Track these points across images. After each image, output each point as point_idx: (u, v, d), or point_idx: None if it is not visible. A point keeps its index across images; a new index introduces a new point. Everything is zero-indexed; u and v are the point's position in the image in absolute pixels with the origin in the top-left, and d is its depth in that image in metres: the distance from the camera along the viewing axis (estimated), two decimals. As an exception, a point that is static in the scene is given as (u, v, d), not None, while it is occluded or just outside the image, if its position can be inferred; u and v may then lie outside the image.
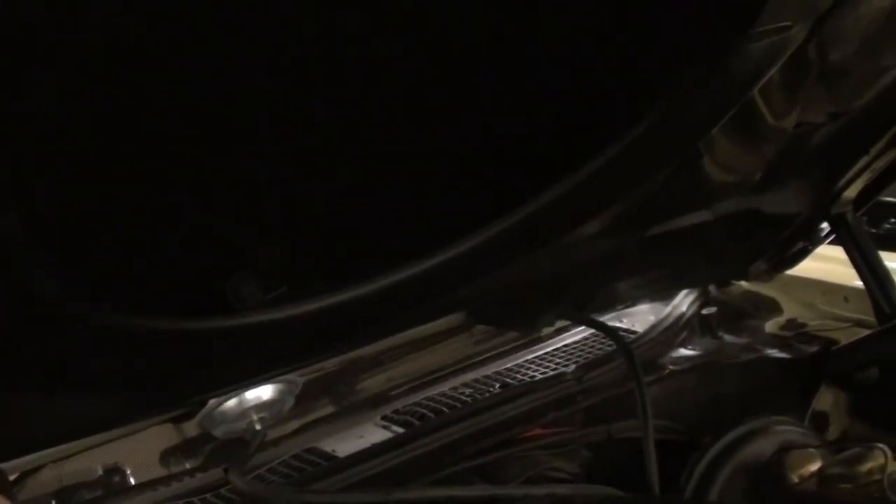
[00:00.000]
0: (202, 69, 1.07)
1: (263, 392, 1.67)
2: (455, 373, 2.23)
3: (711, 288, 2.53)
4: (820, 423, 2.29)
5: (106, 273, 1.20)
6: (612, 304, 2.32)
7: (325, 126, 1.25)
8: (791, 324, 2.49)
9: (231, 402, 1.65)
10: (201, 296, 1.32)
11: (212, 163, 1.23)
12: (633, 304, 2.53)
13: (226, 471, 1.70)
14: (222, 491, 1.86)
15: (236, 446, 1.76)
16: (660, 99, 1.27)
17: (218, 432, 1.68)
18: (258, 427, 1.67)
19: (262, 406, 1.67)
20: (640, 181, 1.52)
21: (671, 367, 2.20)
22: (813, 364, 2.32)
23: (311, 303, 1.30)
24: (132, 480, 1.93)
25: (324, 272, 1.40)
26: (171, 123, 1.12)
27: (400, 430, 1.99)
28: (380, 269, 1.35)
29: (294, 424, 2.05)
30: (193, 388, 1.48)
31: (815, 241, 2.26)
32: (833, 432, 2.30)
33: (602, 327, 2.07)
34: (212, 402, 1.63)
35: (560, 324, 2.37)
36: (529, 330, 2.15)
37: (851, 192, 2.13)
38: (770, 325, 2.50)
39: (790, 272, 2.42)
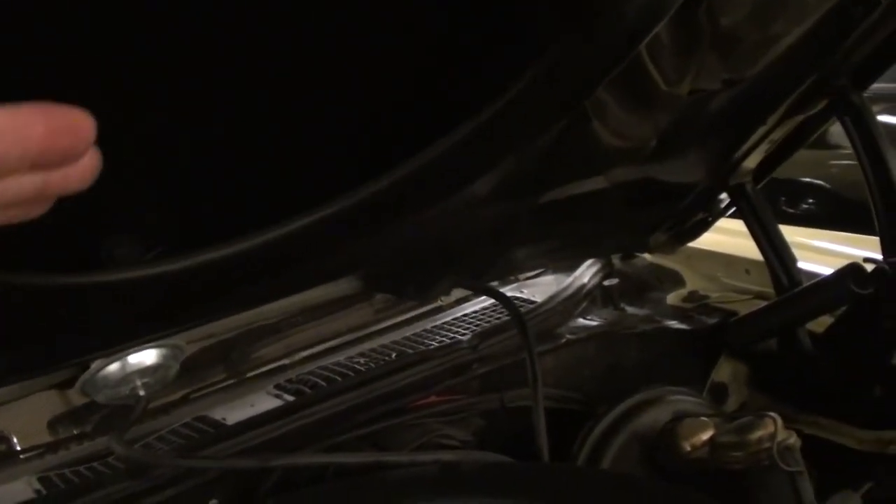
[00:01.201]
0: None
1: (146, 357, 1.64)
2: (352, 342, 2.21)
3: (615, 260, 2.53)
4: (719, 394, 2.30)
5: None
6: (510, 273, 2.32)
7: (195, 81, 1.21)
8: (693, 296, 2.50)
9: (113, 367, 1.61)
10: (76, 254, 1.29)
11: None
12: (537, 275, 2.53)
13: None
14: (109, 459, 1.82)
15: (122, 413, 1.73)
16: (535, 58, 1.25)
17: (101, 398, 1.65)
18: (142, 393, 1.64)
19: (145, 371, 1.64)
20: (522, 143, 1.50)
21: (569, 336, 2.19)
22: (712, 335, 2.33)
23: (185, 259, 1.27)
24: (18, 447, 1.89)
25: (201, 233, 1.36)
26: (36, 68, 1.08)
27: (291, 398, 1.97)
28: (255, 228, 1.32)
29: (183, 392, 2.01)
30: (70, 348, 1.44)
31: (715, 212, 2.26)
32: (732, 404, 2.31)
33: (496, 295, 2.05)
34: (93, 366, 1.59)
35: (460, 294, 2.36)
36: (425, 298, 2.13)
37: (750, 163, 2.13)
38: (672, 298, 2.51)
39: (693, 244, 2.43)
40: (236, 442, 1.79)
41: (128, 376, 1.63)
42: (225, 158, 1.35)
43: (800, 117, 1.98)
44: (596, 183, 1.86)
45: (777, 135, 2.04)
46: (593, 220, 2.05)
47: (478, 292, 2.23)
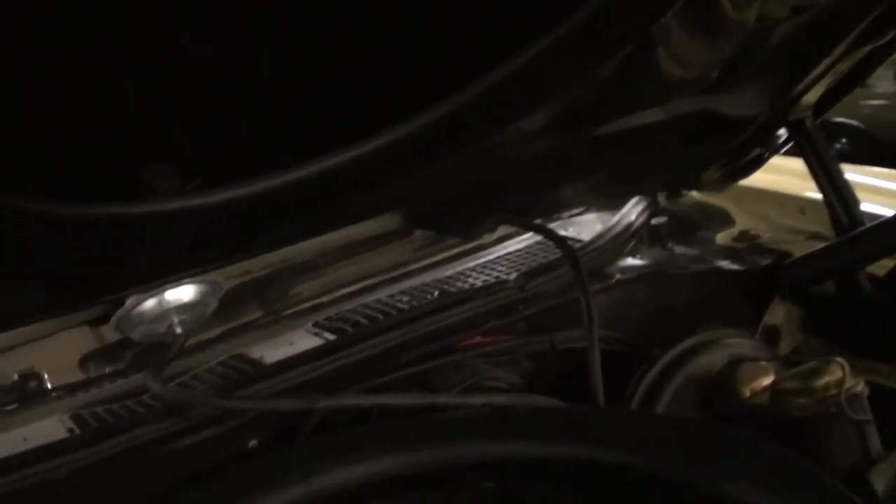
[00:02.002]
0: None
1: (184, 293, 1.57)
2: (392, 280, 2.13)
3: (661, 198, 2.44)
4: (771, 337, 2.22)
5: (11, 156, 1.10)
6: (556, 211, 2.23)
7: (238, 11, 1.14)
8: (744, 236, 2.40)
9: (150, 303, 1.54)
10: (115, 185, 1.22)
11: (124, 44, 1.11)
12: (580, 213, 2.44)
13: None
14: (144, 398, 1.76)
15: (158, 351, 1.66)
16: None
17: (136, 335, 1.59)
18: (179, 330, 1.57)
19: (182, 308, 1.57)
20: (583, 72, 1.41)
21: (619, 276, 2.10)
22: (766, 277, 2.24)
23: (225, 192, 1.19)
24: (49, 385, 1.83)
25: (242, 164, 1.29)
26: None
27: (332, 336, 1.90)
28: (299, 161, 1.24)
29: (220, 330, 1.94)
30: (106, 282, 1.38)
31: (772, 148, 2.17)
32: (784, 347, 2.23)
33: (547, 233, 1.97)
34: (129, 302, 1.52)
35: (503, 232, 2.28)
36: (469, 235, 2.04)
37: (811, 97, 2.03)
38: (722, 237, 2.42)
39: (743, 183, 2.33)
40: (276, 382, 1.73)
41: (164, 313, 1.56)
42: (267, 88, 1.27)
43: (867, 48, 1.88)
44: (654, 115, 1.77)
45: (842, 67, 1.93)
46: (647, 155, 1.96)
47: (525, 229, 2.14)
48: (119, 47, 1.12)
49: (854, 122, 7.08)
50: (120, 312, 1.54)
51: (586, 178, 1.95)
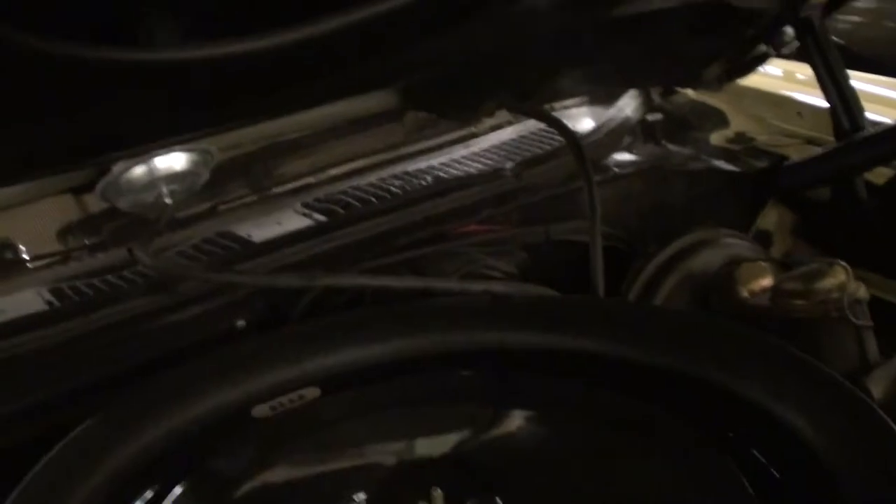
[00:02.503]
0: None
1: (175, 161, 1.51)
2: (384, 164, 2.07)
3: (655, 95, 2.38)
4: (763, 241, 2.17)
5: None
6: (552, 100, 2.16)
7: None
8: (739, 137, 2.35)
9: (138, 170, 1.48)
10: (111, 31, 1.14)
11: None
12: (573, 105, 2.38)
13: (130, 250, 1.54)
14: (126, 272, 1.70)
15: (142, 224, 1.60)
16: None
17: (123, 203, 1.52)
18: (168, 201, 1.51)
19: (173, 177, 1.51)
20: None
21: (616, 169, 2.05)
22: (761, 179, 2.19)
23: (220, 46, 1.12)
24: (26, 256, 1.76)
25: (243, 23, 1.21)
26: None
27: (322, 218, 1.84)
28: (300, 20, 1.17)
29: (205, 206, 1.87)
30: (92, 140, 1.30)
31: (777, 45, 2.10)
32: (775, 252, 2.19)
33: (549, 119, 1.91)
34: (116, 168, 1.46)
35: (497, 120, 2.21)
36: (468, 117, 1.97)
37: (822, -7, 1.97)
38: (716, 138, 2.36)
39: (739, 83, 2.27)
40: (265, 260, 1.68)
41: (154, 181, 1.50)
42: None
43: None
44: (665, 1, 1.70)
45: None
46: (652, 45, 1.89)
47: (526, 115, 2.08)
48: None
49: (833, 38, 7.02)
50: (107, 178, 1.48)
51: (589, 66, 1.88)
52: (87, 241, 1.80)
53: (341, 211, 1.83)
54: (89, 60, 1.05)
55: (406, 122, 2.06)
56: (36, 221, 1.78)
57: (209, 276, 1.56)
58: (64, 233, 1.81)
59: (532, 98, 1.92)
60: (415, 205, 1.82)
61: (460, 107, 1.77)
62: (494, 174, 1.93)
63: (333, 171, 2.03)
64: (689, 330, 1.41)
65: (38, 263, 1.78)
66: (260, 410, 1.38)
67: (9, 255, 1.77)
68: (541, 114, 1.93)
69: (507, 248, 1.81)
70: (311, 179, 2.01)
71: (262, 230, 1.82)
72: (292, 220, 1.85)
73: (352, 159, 2.05)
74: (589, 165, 1.75)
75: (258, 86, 1.26)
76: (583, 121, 2.28)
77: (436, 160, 2.09)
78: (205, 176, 1.54)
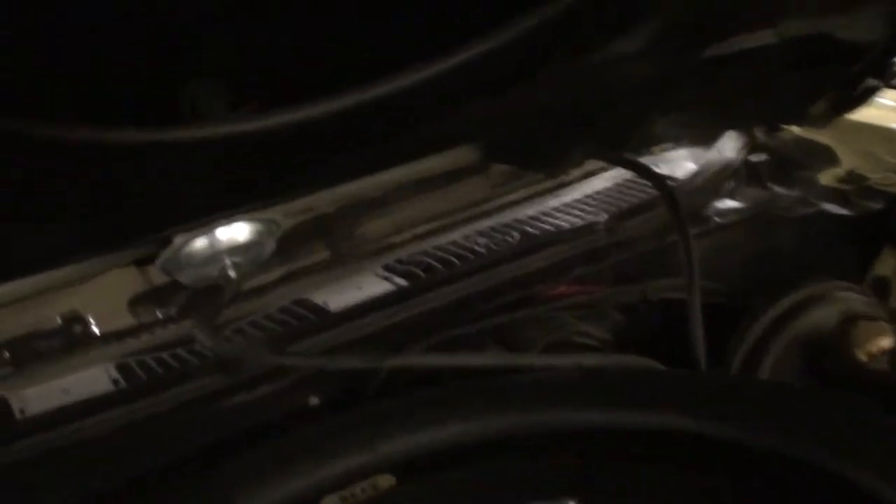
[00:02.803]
0: None
1: (238, 232, 1.41)
2: (469, 220, 1.95)
3: (759, 134, 2.23)
4: (880, 290, 2.01)
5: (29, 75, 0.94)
6: (647, 145, 2.03)
7: None
8: (851, 176, 2.18)
9: (199, 243, 1.39)
10: (152, 107, 1.05)
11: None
12: (671, 149, 2.24)
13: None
14: (197, 346, 1.61)
15: (211, 295, 1.51)
16: None
17: (184, 278, 1.44)
18: (232, 274, 1.42)
19: (236, 249, 1.42)
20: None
21: (717, 219, 1.91)
22: (876, 222, 2.03)
23: (281, 115, 1.02)
24: (96, 330, 1.69)
25: (300, 86, 1.12)
26: None
27: (403, 282, 1.74)
28: (365, 81, 1.07)
29: (281, 272, 1.78)
30: (147, 219, 1.22)
31: (887, 77, 1.95)
32: (894, 301, 2.03)
33: (641, 169, 1.78)
34: (176, 241, 1.37)
35: (588, 168, 2.09)
36: (553, 170, 1.86)
37: (936, 22, 1.81)
38: (826, 177, 2.20)
39: (848, 117, 2.12)
40: (341, 331, 1.58)
41: (216, 254, 1.41)
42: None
43: None
44: (764, 37, 1.57)
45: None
46: (751, 84, 1.76)
47: (616, 165, 1.95)
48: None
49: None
50: (166, 252, 1.39)
51: (683, 110, 1.76)
52: (157, 314, 1.72)
53: (422, 275, 1.73)
54: (129, 144, 0.96)
55: (491, 174, 1.96)
56: (105, 293, 1.71)
57: (267, 357, 1.46)
58: (134, 304, 1.73)
59: (621, 146, 1.80)
60: (500, 265, 1.70)
61: (544, 159, 1.67)
62: (586, 229, 1.81)
63: (416, 230, 1.92)
64: (801, 408, 1.26)
65: (108, 337, 1.70)
66: (330, 502, 1.27)
67: (77, 329, 1.70)
68: (629, 162, 1.81)
69: (600, 311, 1.68)
70: (392, 239, 1.91)
71: (340, 296, 1.72)
72: (372, 285, 1.75)
73: (435, 216, 1.94)
74: (684, 217, 1.63)
75: (320, 154, 1.16)
76: (680, 165, 2.15)
77: (523, 213, 1.97)
78: (271, 246, 1.45)
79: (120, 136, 0.97)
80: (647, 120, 1.74)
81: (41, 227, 1.11)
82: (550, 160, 1.67)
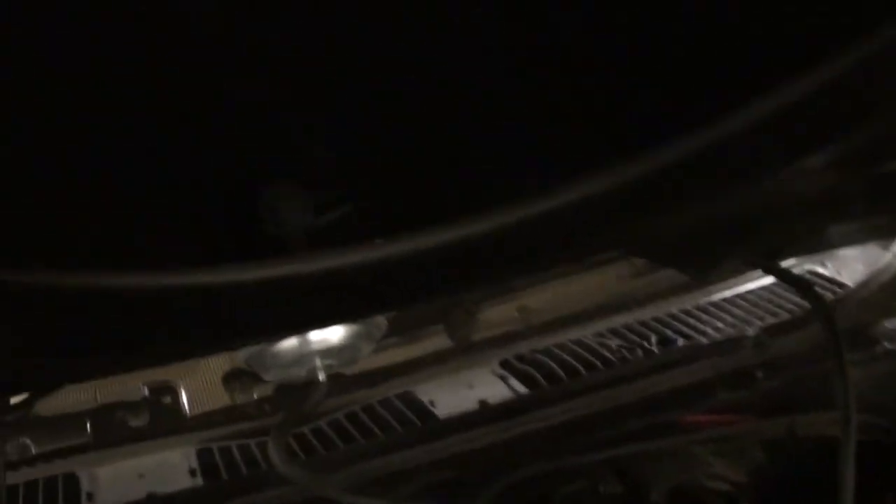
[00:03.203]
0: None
1: (332, 333, 1.26)
2: (602, 312, 1.76)
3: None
4: None
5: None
6: (815, 251, 1.81)
7: None
8: None
9: (288, 343, 1.26)
10: (225, 227, 0.91)
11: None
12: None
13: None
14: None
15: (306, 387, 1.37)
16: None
17: (269, 376, 1.33)
18: (322, 377, 1.28)
19: (329, 351, 1.28)
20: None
21: (887, 343, 1.68)
22: None
23: (392, 246, 0.86)
24: (186, 404, 1.57)
25: (407, 192, 0.96)
26: None
27: (520, 385, 1.57)
28: (497, 201, 0.91)
29: (385, 357, 1.63)
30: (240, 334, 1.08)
31: None
32: None
33: (797, 282, 1.57)
34: (263, 338, 1.23)
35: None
36: (703, 276, 1.67)
37: None
38: None
39: None
40: (445, 444, 1.41)
41: (306, 355, 1.27)
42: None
43: None
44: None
45: None
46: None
47: (775, 276, 1.73)
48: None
49: None
50: (251, 350, 1.25)
51: (859, 220, 1.54)
52: (255, 394, 1.58)
53: (542, 381, 1.55)
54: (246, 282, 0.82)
55: (631, 262, 1.78)
56: (198, 366, 1.59)
57: (344, 497, 1.29)
58: (230, 379, 1.60)
59: (784, 256, 1.59)
60: (631, 381, 1.51)
61: (695, 265, 1.47)
62: (732, 343, 1.60)
63: (543, 319, 1.74)
64: None
65: (195, 415, 1.59)
66: None
67: (167, 400, 1.59)
68: (784, 273, 1.60)
69: (740, 447, 1.47)
70: (515, 327, 1.73)
71: (449, 394, 1.57)
72: (485, 384, 1.60)
73: (566, 305, 1.76)
74: (841, 339, 1.41)
75: (448, 281, 1.00)
76: (849, 265, 1.91)
77: (663, 309, 1.77)
78: (368, 349, 1.29)
79: (227, 276, 0.82)
80: (816, 231, 1.54)
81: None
82: (704, 267, 1.48)
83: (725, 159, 0.92)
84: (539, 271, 1.28)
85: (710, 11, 0.91)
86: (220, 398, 1.62)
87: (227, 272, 0.80)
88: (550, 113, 0.95)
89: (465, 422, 1.46)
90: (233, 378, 1.59)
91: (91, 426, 1.54)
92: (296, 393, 1.45)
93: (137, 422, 1.55)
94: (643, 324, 1.73)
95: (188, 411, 1.59)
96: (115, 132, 0.81)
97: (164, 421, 1.56)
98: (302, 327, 1.13)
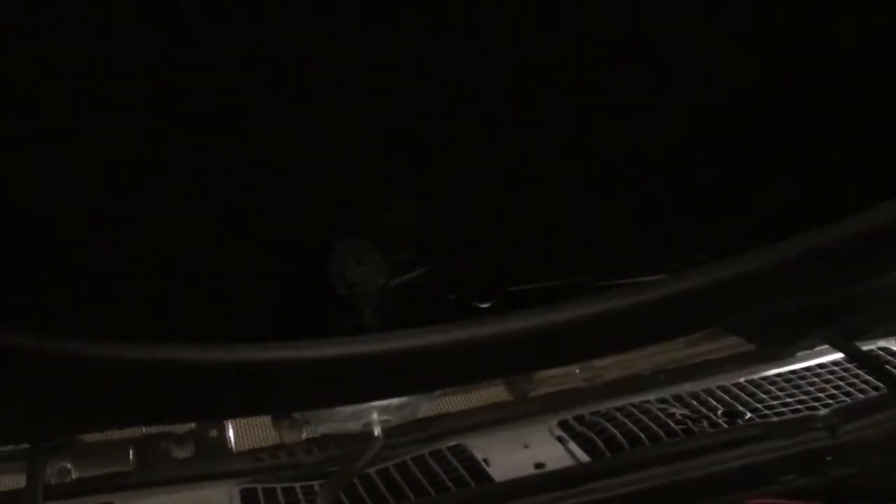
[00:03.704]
0: None
1: (392, 391, 1.21)
2: (669, 376, 1.70)
3: None
4: None
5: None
6: (890, 335, 1.74)
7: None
8: None
9: (346, 398, 1.19)
10: (293, 286, 0.86)
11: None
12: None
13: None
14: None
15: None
16: None
17: (324, 428, 1.28)
18: (377, 432, 1.23)
19: (387, 408, 1.23)
20: None
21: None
22: None
23: (478, 327, 0.81)
24: (232, 438, 1.52)
25: (485, 257, 0.92)
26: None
27: (578, 449, 1.51)
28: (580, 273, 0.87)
29: (440, 403, 1.58)
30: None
31: None
32: None
33: (873, 366, 1.50)
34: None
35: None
36: (781, 353, 1.61)
37: None
38: None
39: None
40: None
41: (363, 411, 1.21)
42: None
43: None
44: None
45: None
46: None
47: (854, 360, 1.66)
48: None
49: None
50: (307, 405, 1.20)
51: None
52: (303, 435, 1.53)
53: (603, 447, 1.49)
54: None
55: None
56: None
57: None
58: (276, 421, 1.55)
59: (865, 337, 1.53)
60: (696, 457, 1.44)
61: (774, 341, 1.42)
62: (802, 423, 1.53)
63: (605, 378, 1.69)
64: None
65: (242, 451, 1.54)
66: None
67: (214, 434, 1.54)
68: (862, 356, 1.54)
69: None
70: (578, 384, 1.68)
71: (503, 453, 1.52)
72: (543, 445, 1.54)
73: (630, 366, 1.70)
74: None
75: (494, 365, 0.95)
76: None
77: (733, 378, 1.70)
78: (425, 407, 1.24)
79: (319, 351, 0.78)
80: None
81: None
82: (781, 343, 1.43)
83: (847, 258, 0.86)
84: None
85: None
86: (268, 435, 1.58)
87: (293, 349, 0.75)
88: (665, 199, 0.91)
89: (521, 487, 1.40)
90: (282, 416, 1.54)
91: (134, 455, 1.50)
92: (348, 441, 1.41)
93: (182, 453, 1.51)
94: (709, 392, 1.66)
95: (234, 446, 1.54)
96: (186, 196, 0.77)
97: (209, 455, 1.51)
98: (362, 401, 1.08)
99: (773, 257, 0.83)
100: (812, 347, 1.59)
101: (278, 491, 1.44)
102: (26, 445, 1.34)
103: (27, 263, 0.74)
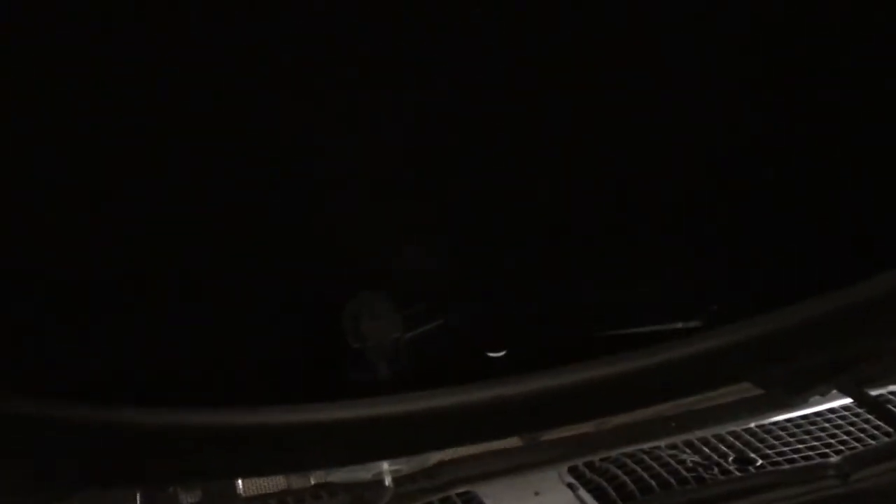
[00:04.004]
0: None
1: (402, 441, 1.20)
2: (679, 422, 1.69)
3: None
4: None
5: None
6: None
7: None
8: None
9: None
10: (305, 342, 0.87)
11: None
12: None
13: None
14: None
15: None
16: None
17: (335, 477, 1.26)
18: (388, 482, 1.22)
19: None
20: None
21: None
22: None
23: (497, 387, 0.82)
24: (240, 483, 1.51)
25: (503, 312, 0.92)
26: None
27: (588, 496, 1.51)
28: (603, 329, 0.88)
29: (451, 455, 1.56)
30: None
31: None
32: None
33: (885, 413, 1.49)
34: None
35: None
36: (794, 400, 1.60)
37: None
38: None
39: None
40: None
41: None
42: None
43: None
44: None
45: None
46: None
47: (866, 407, 1.65)
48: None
49: None
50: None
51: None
52: (312, 480, 1.52)
53: (614, 495, 1.48)
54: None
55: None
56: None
57: None
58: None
59: (877, 385, 1.53)
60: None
61: (787, 388, 1.42)
62: (814, 471, 1.52)
63: (616, 421, 1.68)
64: None
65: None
66: None
67: (221, 487, 1.53)
68: (875, 404, 1.53)
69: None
70: (588, 429, 1.67)
71: (514, 502, 1.52)
72: (553, 493, 1.54)
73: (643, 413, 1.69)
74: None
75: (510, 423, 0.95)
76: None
77: (744, 424, 1.69)
78: (435, 457, 1.24)
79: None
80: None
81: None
82: (793, 391, 1.42)
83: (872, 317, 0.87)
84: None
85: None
86: (276, 480, 1.57)
87: (304, 412, 0.76)
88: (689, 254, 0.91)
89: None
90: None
91: (141, 498, 1.49)
92: (357, 487, 1.40)
93: (190, 499, 1.50)
94: (720, 438, 1.66)
95: (242, 492, 1.53)
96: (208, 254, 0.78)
97: (217, 500, 1.51)
98: (372, 460, 1.08)
99: (808, 312, 0.84)
100: (824, 394, 1.58)
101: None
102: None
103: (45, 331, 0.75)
